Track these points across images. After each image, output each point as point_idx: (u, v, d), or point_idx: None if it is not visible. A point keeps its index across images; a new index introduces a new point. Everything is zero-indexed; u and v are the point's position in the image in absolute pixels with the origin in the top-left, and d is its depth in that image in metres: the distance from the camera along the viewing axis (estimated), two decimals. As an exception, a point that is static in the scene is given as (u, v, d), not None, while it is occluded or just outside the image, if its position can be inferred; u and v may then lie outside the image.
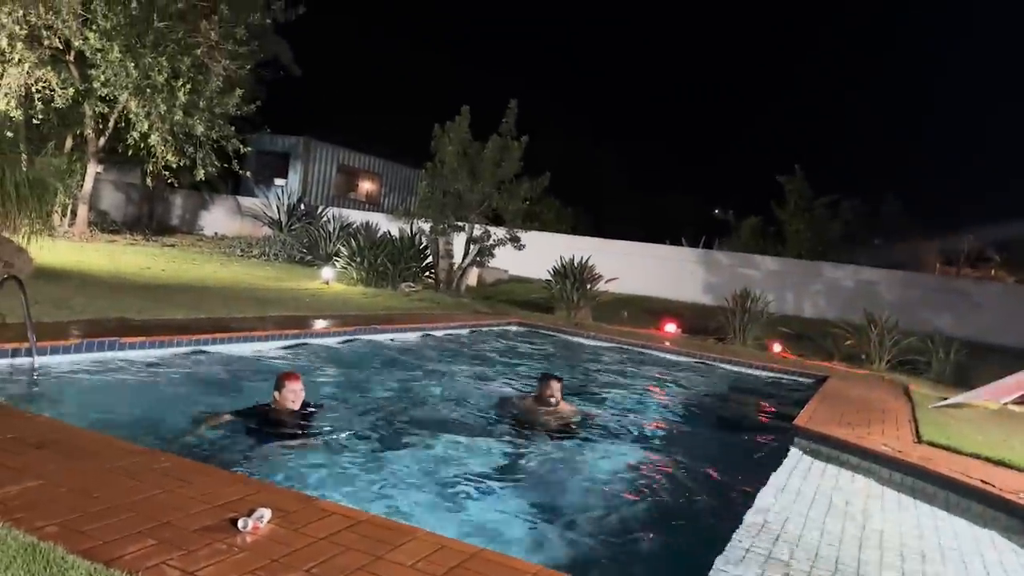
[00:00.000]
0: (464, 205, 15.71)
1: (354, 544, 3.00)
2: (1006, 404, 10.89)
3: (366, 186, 31.32)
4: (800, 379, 11.62)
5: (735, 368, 12.10)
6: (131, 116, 17.59)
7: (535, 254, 17.61)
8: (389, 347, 9.74)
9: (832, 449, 6.70)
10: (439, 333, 11.34)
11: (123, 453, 3.72)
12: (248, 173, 20.32)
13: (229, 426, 5.23)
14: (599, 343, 13.00)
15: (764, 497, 5.19)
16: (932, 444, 7.04)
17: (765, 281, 19.34)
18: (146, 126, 17.35)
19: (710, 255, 21.62)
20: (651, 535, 4.60)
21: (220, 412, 5.32)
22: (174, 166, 18.41)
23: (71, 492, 3.16)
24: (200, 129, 17.74)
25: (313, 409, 5.66)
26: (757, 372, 12.03)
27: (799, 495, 5.36)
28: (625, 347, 12.79)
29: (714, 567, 3.76)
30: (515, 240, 15.69)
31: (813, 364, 13.10)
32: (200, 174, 18.69)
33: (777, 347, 14.32)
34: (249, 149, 19.64)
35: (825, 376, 11.50)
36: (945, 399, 10.38)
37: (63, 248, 15.02)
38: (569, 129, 38.14)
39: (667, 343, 13.44)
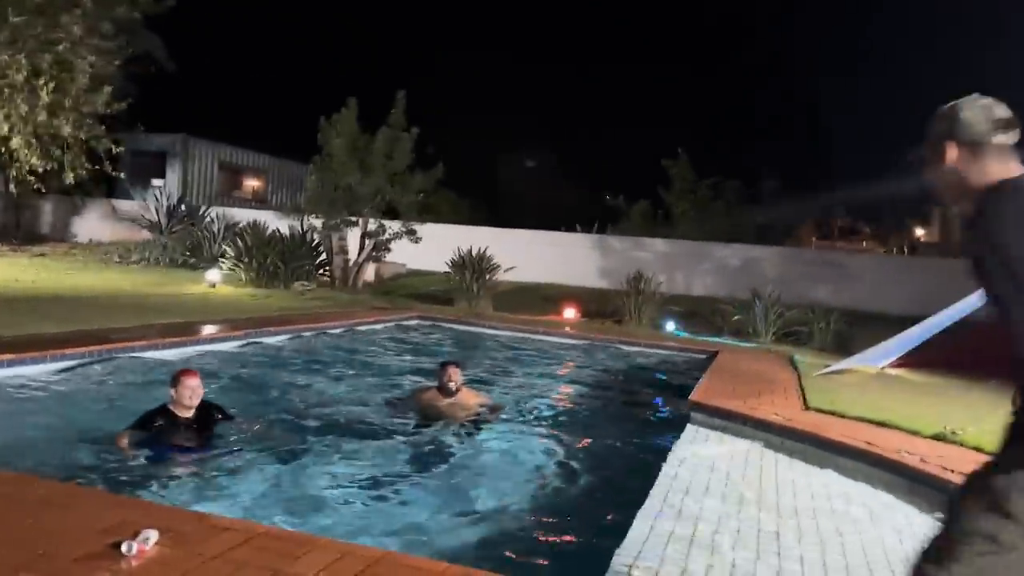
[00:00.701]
0: (356, 199, 15.38)
1: (251, 559, 2.86)
2: (883, 368, 11.59)
3: (251, 184, 30.22)
4: (693, 355, 11.97)
5: (632, 348, 12.36)
6: (-14, 119, 16.35)
7: (433, 246, 17.43)
8: (283, 349, 9.43)
9: (726, 421, 6.93)
10: (336, 331, 11.07)
11: (-10, 483, 3.42)
12: (122, 174, 19.21)
13: (132, 442, 4.95)
14: (500, 332, 13.01)
15: (666, 472, 5.32)
16: (819, 410, 7.40)
17: (657, 263, 19.88)
18: (6, 129, 16.13)
19: (604, 240, 22.05)
20: (557, 521, 4.62)
21: (119, 433, 5.00)
22: (40, 170, 17.21)
23: (-71, 531, 2.88)
24: (67, 130, 16.66)
25: (218, 414, 5.41)
26: (653, 351, 12.33)
27: (697, 467, 5.52)
28: (526, 335, 12.85)
29: (623, 544, 3.84)
30: (411, 233, 15.51)
31: (704, 341, 13.55)
32: (69, 177, 17.56)
33: (671, 326, 14.75)
34: (121, 149, 18.57)
35: (716, 351, 11.91)
36: (828, 366, 10.93)
37: (-84, 263, 13.84)
38: (461, 120, 38.07)
39: (567, 328, 13.61)
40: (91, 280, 14.03)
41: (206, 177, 27.33)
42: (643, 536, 3.98)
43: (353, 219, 15.67)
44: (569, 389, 9.19)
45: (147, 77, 23.01)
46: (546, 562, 3.94)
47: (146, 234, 21.49)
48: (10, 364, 6.33)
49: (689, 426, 6.90)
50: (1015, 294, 1.75)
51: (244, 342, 9.19)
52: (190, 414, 5.16)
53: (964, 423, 7.22)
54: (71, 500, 3.29)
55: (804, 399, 8.03)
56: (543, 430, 6.77)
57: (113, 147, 17.96)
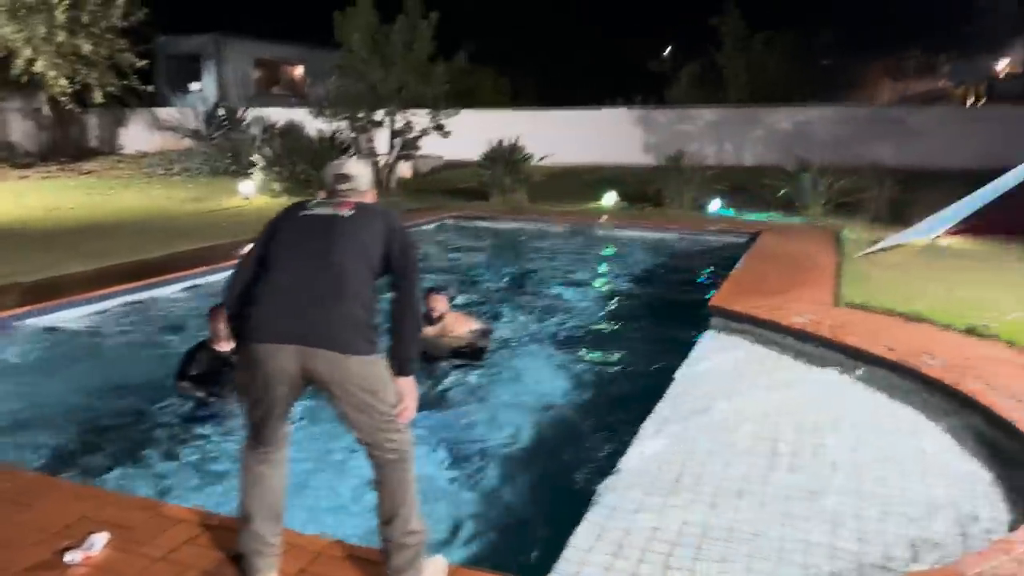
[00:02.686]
0: (380, 97, 14.91)
1: (193, 560, 2.87)
2: (935, 238, 10.96)
3: (289, 78, 29.82)
4: (734, 239, 11.54)
5: (668, 236, 11.99)
6: (9, 44, 16.28)
7: (471, 134, 16.77)
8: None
9: (747, 326, 6.66)
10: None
11: (-37, 479, 3.51)
12: (150, 87, 19.07)
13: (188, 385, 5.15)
14: (534, 226, 12.77)
15: (673, 388, 5.21)
16: (849, 305, 7.05)
17: (704, 134, 19.06)
18: (29, 51, 16.10)
19: (648, 114, 21.08)
20: (553, 455, 4.59)
21: (180, 384, 5.19)
22: (70, 91, 17.27)
23: None
24: (87, 48, 16.50)
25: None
26: (691, 237, 11.95)
27: (707, 381, 5.37)
28: (559, 228, 12.58)
29: (614, 472, 3.90)
30: (439, 128, 15.05)
31: (748, 221, 13.00)
32: (98, 96, 17.56)
33: (716, 205, 14.19)
34: (145, 62, 18.35)
35: (758, 232, 11.44)
36: (876, 242, 10.39)
37: (-35, 196, 14.27)
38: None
39: (602, 217, 13.22)
40: (131, 200, 14.25)
41: (242, 76, 27.05)
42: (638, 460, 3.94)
43: (378, 120, 15.25)
44: (594, 290, 8.99)
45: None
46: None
47: (188, 142, 21.59)
48: (29, 316, 6.48)
49: (708, 332, 6.68)
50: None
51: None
52: (229, 347, 5.22)
53: (1006, 307, 6.84)
54: (35, 496, 3.34)
55: (838, 291, 7.65)
56: (549, 346, 6.66)
57: (136, 61, 17.76)
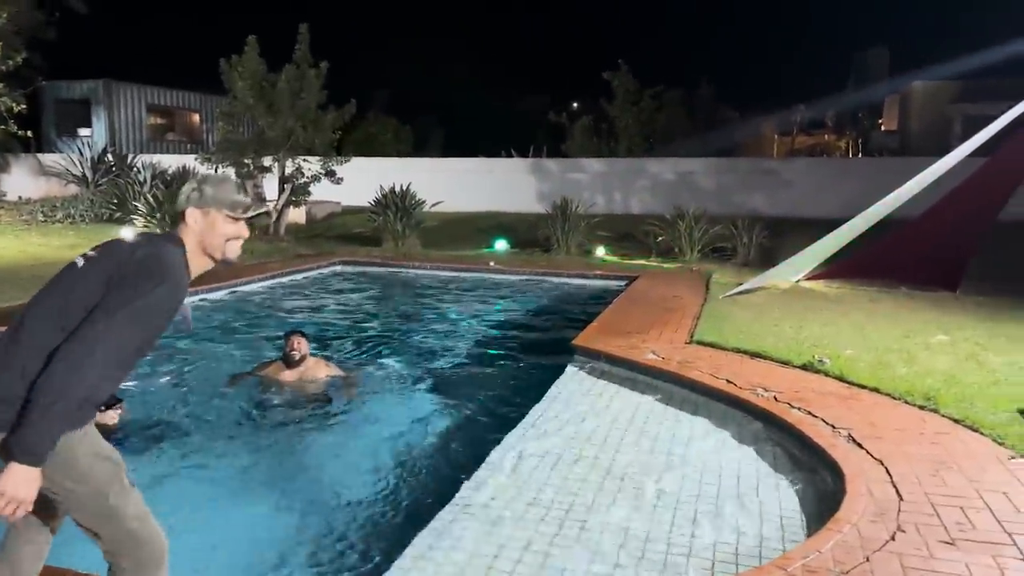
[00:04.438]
0: (268, 143, 14.90)
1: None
2: (798, 281, 11.63)
3: (186, 124, 29.34)
4: (613, 283, 11.94)
5: (554, 280, 12.33)
6: None
7: (370, 181, 16.88)
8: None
9: (604, 363, 6.94)
10: (247, 288, 10.88)
11: None
12: (28, 133, 18.39)
13: None
14: (423, 272, 12.91)
15: (525, 420, 5.39)
16: (700, 343, 7.42)
17: (594, 183, 19.71)
18: None
19: (540, 164, 21.69)
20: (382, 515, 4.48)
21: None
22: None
23: None
24: (-41, 90, 15.94)
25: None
26: (573, 281, 12.30)
27: (558, 417, 5.58)
28: (448, 273, 12.77)
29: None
30: (331, 175, 15.12)
31: (627, 266, 13.50)
32: (-32, 140, 16.91)
33: (601, 251, 14.68)
34: (23, 107, 17.76)
35: (635, 277, 11.88)
36: (740, 284, 10.94)
37: None
38: (412, 42, 36.84)
39: (491, 263, 13.48)
40: (2, 249, 13.68)
41: (134, 123, 26.48)
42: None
43: (267, 165, 15.22)
44: (469, 331, 9.15)
45: (61, 22, 21.92)
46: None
47: (74, 188, 20.91)
48: None
49: (568, 369, 6.91)
50: None
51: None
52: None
53: (845, 344, 7.34)
54: None
55: (695, 330, 8.03)
56: (418, 387, 6.75)
57: (15, 105, 17.18)
